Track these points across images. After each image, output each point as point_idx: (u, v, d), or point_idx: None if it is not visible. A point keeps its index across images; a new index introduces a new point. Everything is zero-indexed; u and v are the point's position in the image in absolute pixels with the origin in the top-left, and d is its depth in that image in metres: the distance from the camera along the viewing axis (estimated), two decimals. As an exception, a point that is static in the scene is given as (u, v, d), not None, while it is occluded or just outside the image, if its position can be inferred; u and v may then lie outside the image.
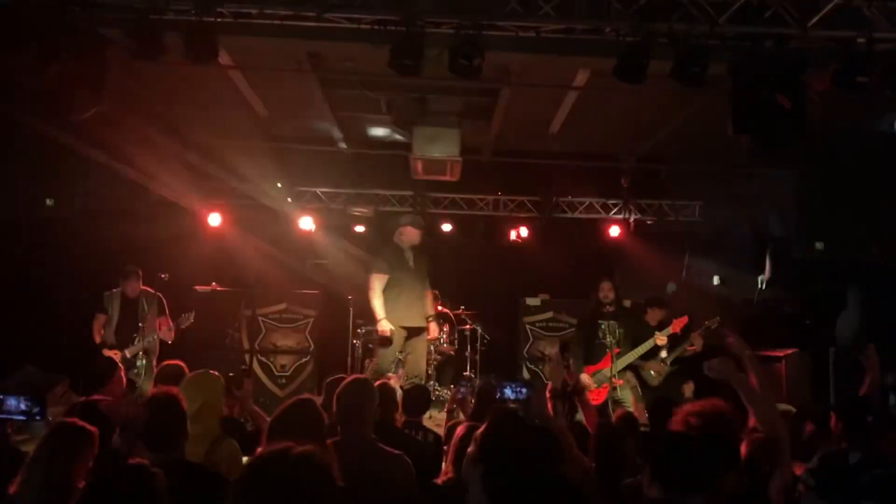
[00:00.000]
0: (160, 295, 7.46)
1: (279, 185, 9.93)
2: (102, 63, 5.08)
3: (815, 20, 5.05)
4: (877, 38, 5.02)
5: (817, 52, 5.20)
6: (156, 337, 7.26)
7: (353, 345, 9.33)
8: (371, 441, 3.65)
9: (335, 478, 1.87)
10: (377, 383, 4.58)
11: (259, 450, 2.04)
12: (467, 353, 9.47)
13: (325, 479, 1.85)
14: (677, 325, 7.35)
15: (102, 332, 7.33)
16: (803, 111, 5.07)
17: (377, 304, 7.89)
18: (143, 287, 7.44)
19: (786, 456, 2.95)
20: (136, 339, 7.20)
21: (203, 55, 5.15)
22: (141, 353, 7.14)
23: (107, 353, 7.09)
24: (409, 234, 8.22)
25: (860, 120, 7.23)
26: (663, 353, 7.41)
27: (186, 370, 5.01)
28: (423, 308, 8.18)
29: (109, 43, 5.11)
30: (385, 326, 7.80)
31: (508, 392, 3.84)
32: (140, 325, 7.23)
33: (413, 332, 8.09)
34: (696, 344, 7.25)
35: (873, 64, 4.99)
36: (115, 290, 7.41)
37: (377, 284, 7.94)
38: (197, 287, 9.19)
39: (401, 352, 7.89)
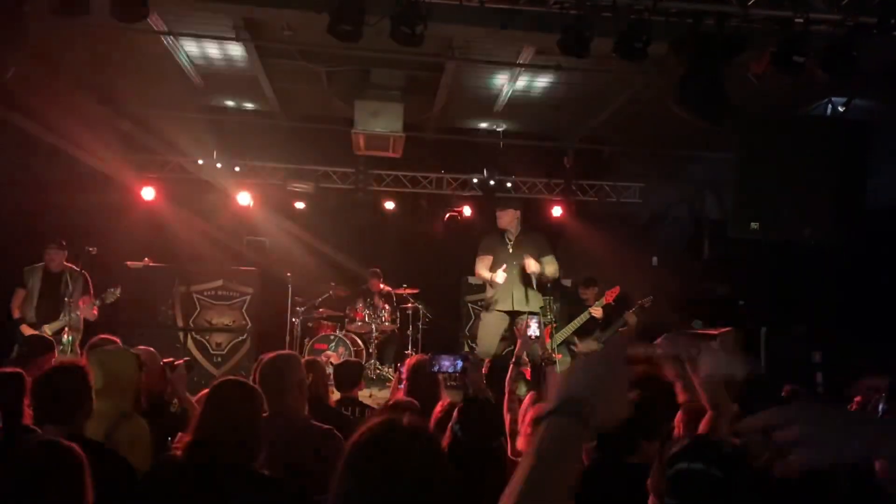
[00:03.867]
0: (85, 273, 7.14)
1: (214, 157, 9.62)
2: (19, 18, 4.76)
3: (755, -1, 5.10)
4: (813, 18, 5.09)
5: (757, 33, 5.25)
6: (79, 314, 6.95)
7: (292, 323, 9.18)
8: (300, 416, 3.55)
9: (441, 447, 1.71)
10: (305, 359, 4.47)
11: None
12: (409, 332, 9.42)
13: (439, 449, 1.68)
14: (610, 296, 7.48)
15: (21, 307, 7.00)
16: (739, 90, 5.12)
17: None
18: (67, 263, 7.12)
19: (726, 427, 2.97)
20: (62, 315, 6.90)
21: (131, 14, 4.89)
22: (67, 328, 6.84)
23: (25, 329, 6.78)
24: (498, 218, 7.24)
25: (794, 105, 7.40)
26: (597, 332, 7.52)
27: (120, 345, 4.81)
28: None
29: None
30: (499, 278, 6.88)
31: (445, 364, 3.79)
32: (66, 300, 6.93)
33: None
34: (629, 321, 7.39)
35: (809, 44, 5.06)
36: (36, 265, 7.08)
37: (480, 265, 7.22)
38: (129, 263, 8.86)
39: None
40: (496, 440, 2.92)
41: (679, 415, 3.07)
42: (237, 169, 9.90)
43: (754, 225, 6.54)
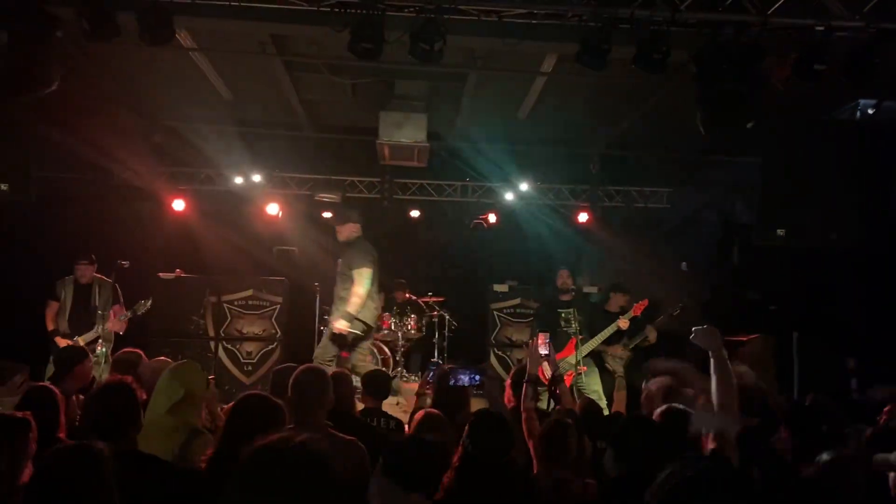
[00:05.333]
0: (115, 284, 7.35)
1: (244, 169, 9.77)
2: (52, 45, 4.93)
3: (774, 8, 5.06)
4: (834, 25, 5.04)
5: (777, 41, 5.21)
6: (109, 327, 7.15)
7: (321, 331, 9.29)
8: (324, 428, 3.63)
9: (332, 466, 1.85)
10: (332, 371, 4.56)
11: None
12: (435, 340, 9.48)
13: (324, 467, 1.82)
14: (638, 308, 7.43)
15: (55, 319, 7.21)
16: (760, 99, 5.09)
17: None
18: (97, 274, 7.33)
19: (732, 441, 2.97)
20: (97, 327, 7.09)
21: (159, 37, 5.03)
22: (101, 340, 7.03)
23: (60, 340, 6.98)
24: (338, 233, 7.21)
25: (822, 108, 7.30)
26: (625, 339, 7.49)
27: (145, 358, 4.95)
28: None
29: (60, 24, 4.95)
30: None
31: (464, 378, 3.85)
32: (100, 312, 7.13)
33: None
34: (650, 337, 7.34)
35: (831, 52, 5.02)
36: (67, 278, 7.30)
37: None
38: (160, 274, 9.06)
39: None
40: (506, 454, 2.95)
41: None
42: (260, 180, 10.02)
43: (780, 231, 6.48)
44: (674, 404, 3.34)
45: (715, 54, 5.10)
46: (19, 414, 2.92)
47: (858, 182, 6.27)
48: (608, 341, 7.42)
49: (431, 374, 5.95)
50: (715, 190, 10.04)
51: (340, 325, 6.71)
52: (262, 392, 3.56)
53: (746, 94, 5.12)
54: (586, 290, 8.49)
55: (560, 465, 3.29)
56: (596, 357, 7.47)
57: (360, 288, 6.74)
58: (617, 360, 7.46)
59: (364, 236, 7.13)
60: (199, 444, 3.55)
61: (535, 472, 3.36)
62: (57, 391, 3.59)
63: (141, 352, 5.00)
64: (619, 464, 2.97)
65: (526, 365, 4.10)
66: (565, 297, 7.48)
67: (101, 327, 7.08)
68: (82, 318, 7.19)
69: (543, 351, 4.30)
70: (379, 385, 5.08)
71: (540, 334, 4.40)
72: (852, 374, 8.01)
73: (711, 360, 3.08)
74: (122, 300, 7.34)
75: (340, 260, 7.10)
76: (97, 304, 7.23)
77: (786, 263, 8.24)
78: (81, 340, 6.99)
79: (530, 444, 3.58)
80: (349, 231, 7.08)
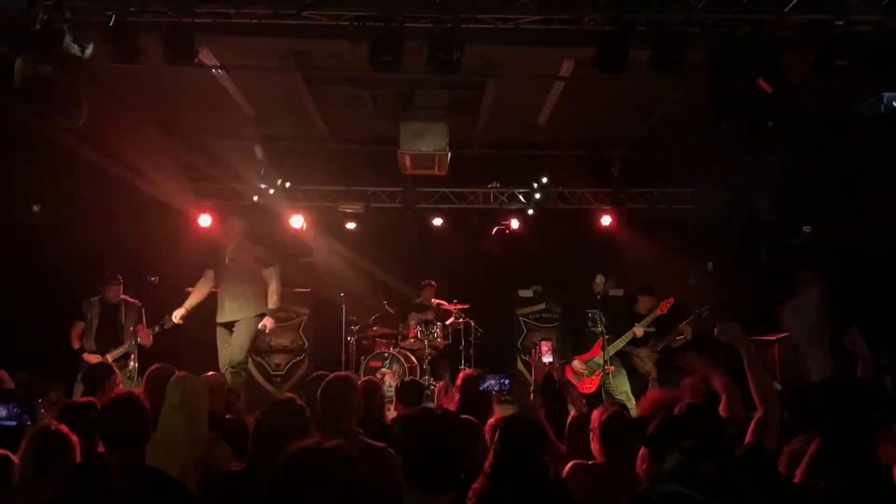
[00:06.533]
0: (139, 304, 7.50)
1: (279, 181, 9.87)
2: (80, 68, 5.06)
3: (791, 5, 5.05)
4: (854, 20, 5.01)
5: (796, 37, 5.19)
6: (135, 343, 7.28)
7: (347, 341, 9.36)
8: (354, 436, 3.67)
9: (362, 472, 1.90)
10: (362, 380, 4.61)
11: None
12: (461, 347, 9.50)
13: (356, 473, 1.88)
14: (664, 307, 7.42)
15: (80, 339, 7.35)
16: (780, 96, 5.07)
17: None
18: (123, 296, 7.48)
19: (774, 430, 3.00)
20: (128, 343, 7.22)
21: (181, 57, 5.14)
22: (133, 355, 7.14)
23: (89, 357, 7.11)
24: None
25: (844, 103, 7.23)
26: (652, 341, 7.46)
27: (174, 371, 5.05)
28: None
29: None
30: None
31: (492, 384, 3.87)
32: (131, 328, 7.26)
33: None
34: (685, 333, 7.30)
35: (852, 47, 4.99)
36: (93, 298, 7.44)
37: None
38: (189, 289, 9.18)
39: None
40: (538, 459, 2.96)
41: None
42: (284, 193, 10.10)
43: (806, 228, 6.45)
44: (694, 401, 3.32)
45: (732, 53, 5.09)
46: (55, 428, 3.00)
47: (885, 176, 6.21)
48: (636, 343, 7.41)
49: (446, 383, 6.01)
50: (739, 189, 9.96)
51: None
52: (291, 395, 3.62)
53: (765, 92, 5.10)
54: (612, 293, 8.47)
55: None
56: (623, 357, 7.46)
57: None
58: (645, 361, 7.44)
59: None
60: (222, 451, 3.67)
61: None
62: (96, 405, 3.68)
63: (171, 366, 5.08)
64: (655, 463, 2.95)
65: (552, 371, 4.11)
66: (592, 298, 7.54)
67: (131, 343, 7.21)
68: (110, 335, 7.31)
69: (547, 359, 4.30)
70: (411, 393, 5.15)
71: (543, 342, 4.40)
72: (885, 371, 7.88)
73: (743, 357, 3.12)
74: (145, 321, 7.47)
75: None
76: (124, 324, 7.37)
77: (812, 261, 8.16)
78: (110, 358, 7.13)
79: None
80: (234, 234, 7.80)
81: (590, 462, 3.50)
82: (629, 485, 3.19)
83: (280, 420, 3.30)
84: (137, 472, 2.95)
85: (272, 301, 7.70)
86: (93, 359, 7.08)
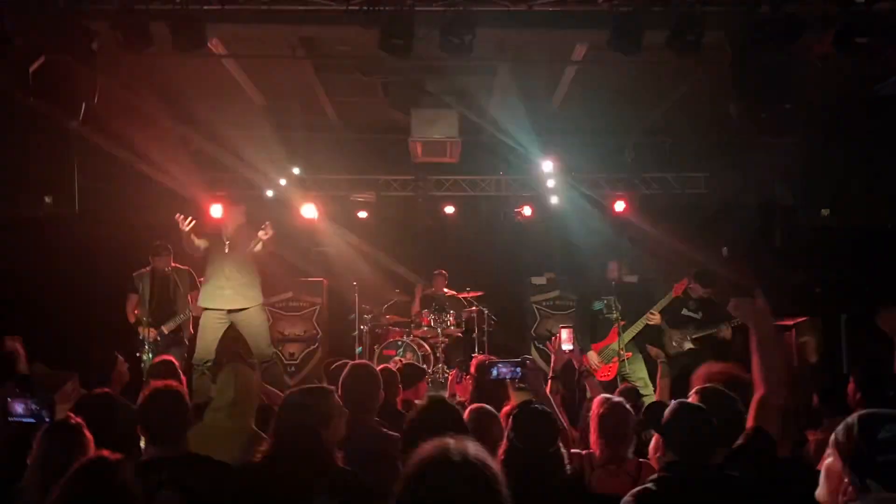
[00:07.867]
0: (190, 269, 7.47)
1: (296, 170, 9.81)
2: (90, 57, 5.03)
3: (812, -19, 4.94)
4: (875, -3, 4.91)
5: (816, 15, 5.08)
6: (190, 311, 7.29)
7: (361, 330, 9.34)
8: (375, 425, 3.66)
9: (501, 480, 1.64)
10: (380, 367, 4.59)
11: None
12: (475, 335, 9.46)
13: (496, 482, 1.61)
14: (678, 289, 7.31)
15: (136, 311, 7.35)
16: (800, 76, 4.97)
17: None
18: (174, 264, 7.50)
19: (774, 414, 2.92)
20: (179, 314, 7.28)
21: (190, 45, 5.10)
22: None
23: (142, 331, 7.10)
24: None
25: (865, 84, 7.10)
26: (692, 328, 7.31)
27: (178, 366, 5.02)
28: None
29: (95, 36, 5.05)
30: None
31: (504, 371, 3.83)
32: (188, 296, 7.39)
33: None
34: (725, 334, 7.15)
35: (872, 25, 4.88)
36: (143, 270, 7.43)
37: None
38: (201, 280, 9.18)
39: None
40: (552, 446, 2.93)
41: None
42: (296, 182, 10.06)
43: (825, 211, 6.34)
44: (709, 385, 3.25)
45: (751, 33, 4.99)
46: (71, 422, 2.97)
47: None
48: (675, 324, 7.27)
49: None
50: (754, 173, 9.83)
51: None
52: (303, 387, 3.58)
53: (785, 72, 5.00)
54: (627, 279, 8.40)
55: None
56: (640, 343, 7.37)
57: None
58: (674, 344, 7.28)
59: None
60: (259, 446, 3.61)
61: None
62: (114, 396, 3.66)
63: (174, 359, 5.05)
64: (669, 451, 2.90)
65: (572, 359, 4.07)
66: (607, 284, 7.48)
67: (187, 311, 7.32)
68: (163, 307, 7.33)
69: (567, 347, 4.24)
70: (414, 377, 5.13)
71: (563, 329, 4.33)
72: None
73: (753, 335, 3.04)
74: (198, 285, 7.49)
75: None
76: (176, 293, 7.41)
77: (830, 244, 8.04)
78: (166, 329, 7.19)
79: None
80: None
81: (583, 452, 3.49)
82: (620, 476, 3.17)
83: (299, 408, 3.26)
84: (186, 462, 2.96)
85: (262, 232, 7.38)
86: (151, 333, 7.08)
